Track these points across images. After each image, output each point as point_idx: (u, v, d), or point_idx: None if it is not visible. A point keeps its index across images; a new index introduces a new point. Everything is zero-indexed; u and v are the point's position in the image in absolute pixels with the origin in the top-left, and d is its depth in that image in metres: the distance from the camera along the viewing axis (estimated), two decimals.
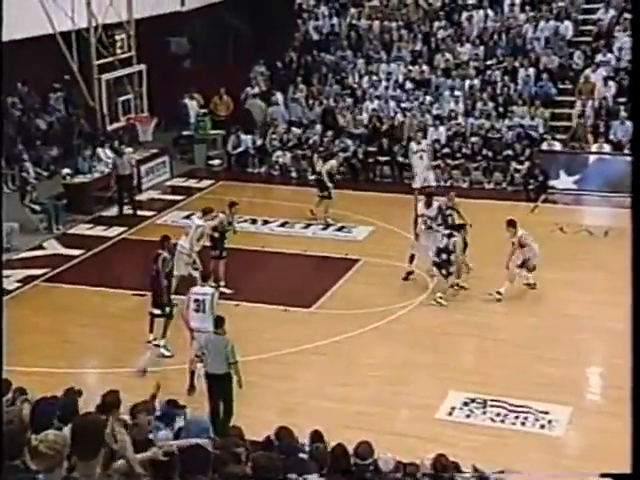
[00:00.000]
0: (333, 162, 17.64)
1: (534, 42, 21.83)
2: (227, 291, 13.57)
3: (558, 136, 20.13)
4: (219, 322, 9.97)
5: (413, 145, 18.69)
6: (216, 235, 13.96)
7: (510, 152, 19.74)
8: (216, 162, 21.68)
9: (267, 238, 16.16)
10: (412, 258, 14.30)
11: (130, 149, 19.03)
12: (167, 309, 11.98)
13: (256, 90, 22.96)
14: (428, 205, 14.35)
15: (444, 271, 13.53)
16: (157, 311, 12.02)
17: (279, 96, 22.21)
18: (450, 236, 13.61)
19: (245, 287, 13.89)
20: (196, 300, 10.79)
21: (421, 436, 9.76)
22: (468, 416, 10.43)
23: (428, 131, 20.49)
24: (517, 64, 21.47)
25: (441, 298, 13.34)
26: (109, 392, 7.18)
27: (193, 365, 10.60)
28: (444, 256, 13.46)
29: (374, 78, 22.30)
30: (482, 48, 22.30)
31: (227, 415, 9.76)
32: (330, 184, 17.05)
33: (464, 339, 12.41)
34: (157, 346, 11.95)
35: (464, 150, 20.04)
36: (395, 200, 18.58)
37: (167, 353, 11.87)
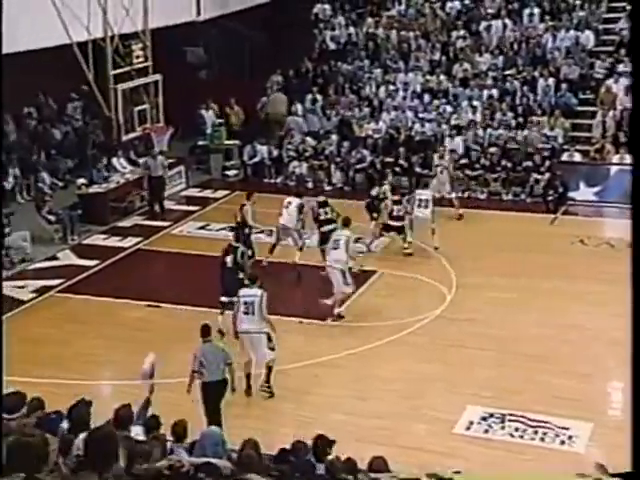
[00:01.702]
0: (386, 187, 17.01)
1: (554, 52, 21.80)
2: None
3: (578, 147, 20.08)
4: (206, 330, 10.11)
5: (435, 158, 18.78)
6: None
7: (529, 163, 19.70)
8: (232, 172, 21.76)
9: (282, 249, 16.16)
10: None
11: (161, 157, 19.30)
12: None
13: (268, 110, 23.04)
14: None
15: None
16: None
17: (298, 106, 22.30)
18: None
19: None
20: (245, 302, 10.92)
21: (438, 451, 9.72)
22: (486, 431, 10.38)
23: (445, 141, 20.51)
24: (536, 74, 21.44)
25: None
26: (122, 407, 7.25)
27: (248, 368, 10.85)
28: None
29: (391, 88, 22.33)
30: (501, 58, 22.29)
31: (216, 420, 9.85)
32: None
33: (481, 352, 12.36)
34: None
35: (482, 161, 20.01)
36: None
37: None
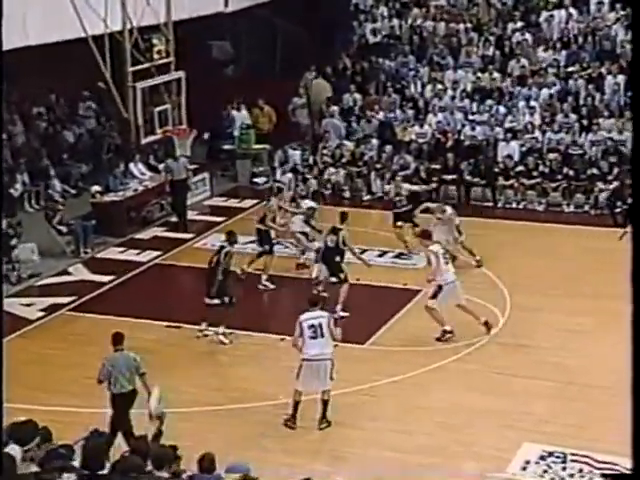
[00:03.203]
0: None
1: (625, 45, 21.60)
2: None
3: None
4: (118, 338, 10.51)
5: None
6: None
7: (595, 171, 19.52)
8: (261, 180, 21.84)
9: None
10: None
11: (184, 159, 19.48)
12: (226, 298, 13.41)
13: (304, 100, 23.18)
14: None
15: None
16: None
17: (334, 107, 22.39)
18: None
19: (292, 319, 13.93)
20: (311, 326, 11.06)
21: None
22: (545, 471, 10.25)
23: (499, 146, 20.41)
24: (604, 70, 21.26)
25: None
26: (138, 438, 7.31)
27: (297, 396, 11.08)
28: None
29: (439, 87, 22.30)
30: (564, 53, 22.17)
31: (123, 429, 10.10)
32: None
33: (539, 382, 12.22)
34: (206, 336, 13.43)
35: (541, 168, 19.88)
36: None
37: (226, 341, 13.36)
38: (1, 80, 11.66)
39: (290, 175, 20.24)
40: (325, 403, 11.16)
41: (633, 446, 3.39)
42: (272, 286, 15.60)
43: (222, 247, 13.80)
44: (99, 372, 10.34)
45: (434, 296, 13.32)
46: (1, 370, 6.01)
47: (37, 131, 21.21)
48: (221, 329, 13.42)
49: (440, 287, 13.31)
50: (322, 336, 11.02)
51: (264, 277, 15.59)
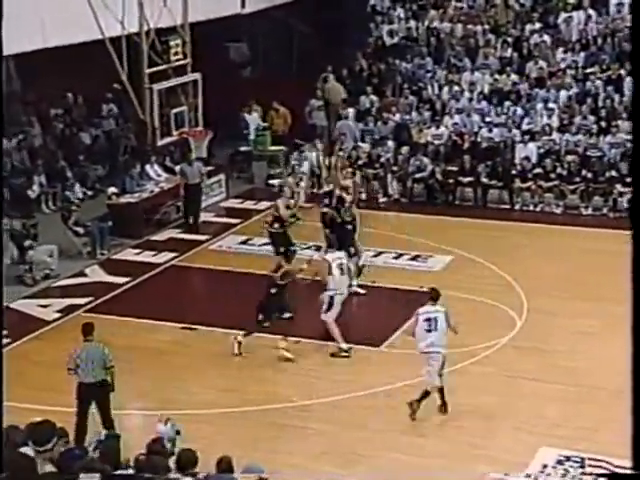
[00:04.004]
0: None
1: None
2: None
3: None
4: (88, 329, 10.64)
5: None
6: None
7: (614, 173, 19.41)
8: (276, 182, 21.84)
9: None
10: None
11: (198, 162, 19.45)
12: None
13: (321, 102, 23.18)
14: None
15: None
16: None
17: (350, 109, 22.38)
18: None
19: (307, 321, 13.93)
20: (427, 319, 11.38)
21: None
22: (563, 476, 10.19)
23: (516, 148, 20.34)
24: (623, 72, 21.14)
25: None
26: (154, 441, 7.36)
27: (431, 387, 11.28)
28: None
29: (456, 89, 22.25)
30: (582, 54, 22.06)
31: (110, 424, 10.26)
32: None
33: (556, 386, 12.16)
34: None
35: (558, 170, 19.79)
36: (477, 226, 18.44)
37: (291, 356, 12.81)
38: (1, 80, 11.76)
39: (291, 179, 19.96)
40: (427, 394, 11.32)
41: (633, 446, 3.40)
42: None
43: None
44: (67, 361, 10.53)
45: (329, 308, 13.22)
46: (1, 370, 6.06)
47: (54, 132, 21.33)
48: (283, 343, 12.95)
49: (332, 298, 13.21)
50: (436, 330, 11.30)
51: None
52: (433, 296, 11.70)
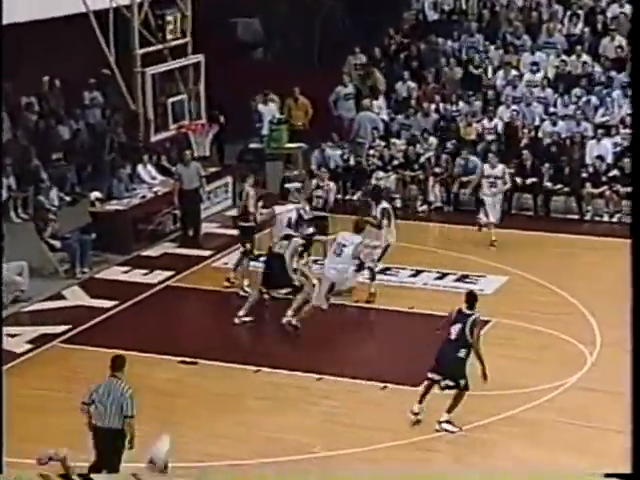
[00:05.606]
0: None
1: None
2: None
3: None
4: (118, 362, 10.41)
5: (486, 168, 18.60)
6: None
7: None
8: (294, 185, 21.88)
9: (361, 288, 16.14)
10: None
11: (196, 162, 19.41)
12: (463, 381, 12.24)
13: (350, 89, 23.22)
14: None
15: None
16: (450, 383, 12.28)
17: (381, 99, 22.44)
18: None
19: (328, 354, 13.91)
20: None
21: None
22: None
23: (587, 145, 20.30)
24: None
25: None
26: None
27: None
28: None
29: (513, 73, 22.28)
30: None
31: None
32: None
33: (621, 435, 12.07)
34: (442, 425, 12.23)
35: None
36: (538, 240, 18.43)
37: (453, 429, 12.12)
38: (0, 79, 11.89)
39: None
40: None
41: (633, 446, 3.53)
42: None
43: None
44: (85, 394, 10.41)
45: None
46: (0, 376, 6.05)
47: (26, 125, 21.41)
48: (446, 416, 12.31)
49: None
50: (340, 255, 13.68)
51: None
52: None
